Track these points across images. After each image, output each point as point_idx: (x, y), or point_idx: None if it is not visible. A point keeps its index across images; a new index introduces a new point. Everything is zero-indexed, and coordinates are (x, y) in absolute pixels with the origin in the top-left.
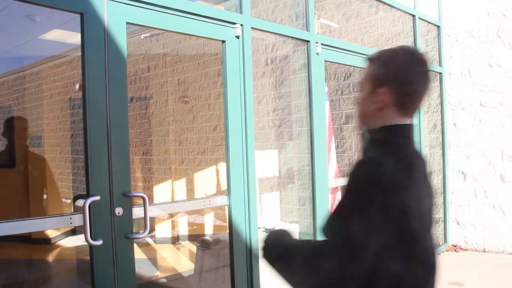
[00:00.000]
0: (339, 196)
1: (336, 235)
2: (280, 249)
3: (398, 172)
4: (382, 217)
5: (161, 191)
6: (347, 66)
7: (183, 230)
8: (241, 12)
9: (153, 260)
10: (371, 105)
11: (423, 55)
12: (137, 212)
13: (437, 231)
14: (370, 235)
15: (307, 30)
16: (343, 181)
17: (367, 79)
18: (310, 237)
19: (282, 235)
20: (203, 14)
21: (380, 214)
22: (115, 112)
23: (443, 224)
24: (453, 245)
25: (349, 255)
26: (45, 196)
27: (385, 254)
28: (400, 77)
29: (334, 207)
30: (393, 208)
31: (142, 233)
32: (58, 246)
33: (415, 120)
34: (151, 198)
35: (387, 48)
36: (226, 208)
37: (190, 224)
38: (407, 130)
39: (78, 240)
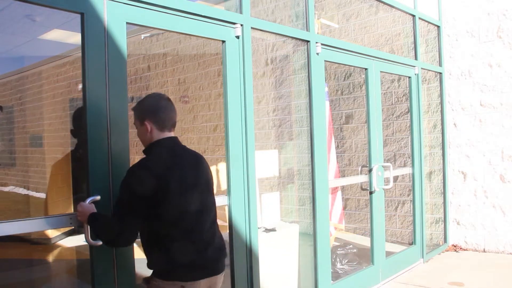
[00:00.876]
0: (339, 196)
1: (115, 206)
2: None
3: (150, 168)
4: (138, 194)
5: None
6: (347, 66)
7: None
8: (241, 12)
9: None
10: (144, 133)
11: (162, 95)
12: None
13: (437, 231)
14: (131, 205)
15: (307, 30)
16: (343, 181)
17: (135, 120)
18: (311, 237)
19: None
20: (203, 14)
21: (137, 192)
22: (115, 112)
23: (443, 224)
24: (453, 245)
25: (122, 214)
26: None
27: (146, 214)
28: (151, 112)
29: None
30: (145, 188)
31: None
32: (58, 246)
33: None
34: None
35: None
36: (226, 208)
37: None
38: (165, 141)
39: (78, 240)
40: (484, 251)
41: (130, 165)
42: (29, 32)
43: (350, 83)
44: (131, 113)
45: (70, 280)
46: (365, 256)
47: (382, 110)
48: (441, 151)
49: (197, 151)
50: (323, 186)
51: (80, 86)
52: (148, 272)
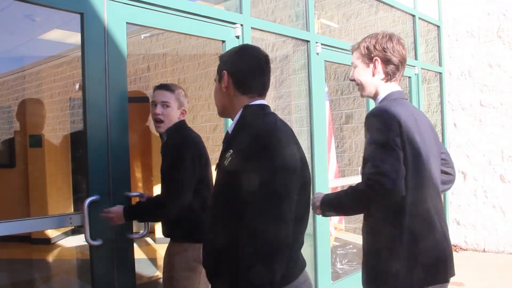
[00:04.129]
0: None
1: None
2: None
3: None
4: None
5: None
6: (347, 66)
7: None
8: (241, 12)
9: (153, 260)
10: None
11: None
12: None
13: None
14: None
15: (307, 30)
16: (343, 181)
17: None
18: (311, 237)
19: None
20: (203, 14)
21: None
22: (115, 112)
23: None
24: (453, 245)
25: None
26: None
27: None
28: None
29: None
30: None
31: (142, 232)
32: (58, 246)
33: None
34: None
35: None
36: None
37: None
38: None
39: (78, 240)
40: (484, 251)
41: (129, 165)
42: (29, 32)
43: (350, 83)
44: (131, 113)
45: (70, 280)
46: None
47: None
48: None
49: None
50: (323, 186)
51: (77, 86)
52: (149, 272)
